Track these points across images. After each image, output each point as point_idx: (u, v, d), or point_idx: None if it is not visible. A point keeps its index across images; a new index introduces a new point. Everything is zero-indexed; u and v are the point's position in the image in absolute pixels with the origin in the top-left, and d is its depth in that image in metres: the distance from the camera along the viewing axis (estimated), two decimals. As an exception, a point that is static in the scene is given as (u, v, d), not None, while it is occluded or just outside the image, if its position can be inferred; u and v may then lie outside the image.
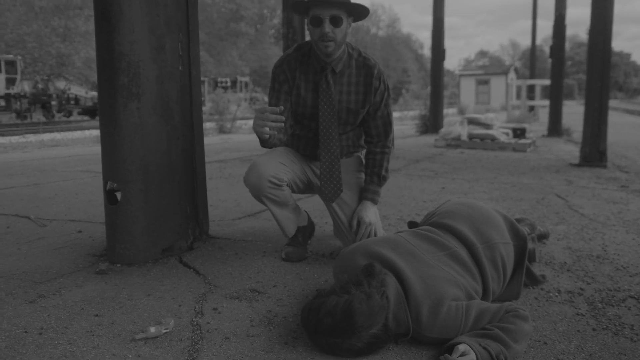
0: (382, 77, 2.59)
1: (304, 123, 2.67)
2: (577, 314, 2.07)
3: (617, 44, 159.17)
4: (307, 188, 2.79)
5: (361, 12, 2.50)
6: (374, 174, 2.70)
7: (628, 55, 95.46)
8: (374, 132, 2.69)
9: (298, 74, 2.57)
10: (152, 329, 1.85)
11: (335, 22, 2.39)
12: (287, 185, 2.60)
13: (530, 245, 2.56)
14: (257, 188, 2.56)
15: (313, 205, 3.95)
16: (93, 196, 4.48)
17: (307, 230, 2.83)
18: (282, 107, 2.24)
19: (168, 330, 1.89)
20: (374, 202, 2.69)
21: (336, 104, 2.56)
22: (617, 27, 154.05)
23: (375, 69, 2.58)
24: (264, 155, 2.65)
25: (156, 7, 2.59)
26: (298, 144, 2.75)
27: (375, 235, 2.62)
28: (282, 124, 2.24)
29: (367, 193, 2.69)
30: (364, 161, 2.80)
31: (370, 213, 2.65)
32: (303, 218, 2.82)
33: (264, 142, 2.45)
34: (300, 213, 2.80)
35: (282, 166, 2.61)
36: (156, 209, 2.68)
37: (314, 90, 2.57)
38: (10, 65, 25.38)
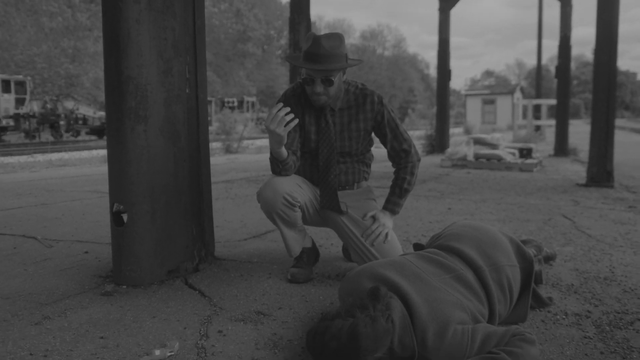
0: (381, 100, 2.67)
1: (307, 155, 2.73)
2: (585, 337, 2.05)
3: (624, 62, 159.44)
4: (317, 216, 2.77)
5: (354, 64, 2.56)
6: (396, 186, 2.74)
7: (634, 74, 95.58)
8: (392, 152, 2.74)
9: (304, 106, 2.65)
10: (157, 352, 1.85)
11: (327, 82, 2.48)
12: (299, 207, 2.62)
13: (536, 267, 2.55)
14: (271, 203, 2.57)
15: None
16: (100, 217, 4.50)
17: (311, 253, 2.83)
18: (288, 109, 2.33)
19: (173, 353, 1.88)
20: (393, 212, 2.73)
21: (335, 142, 2.65)
22: (623, 47, 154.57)
23: (374, 94, 2.67)
24: (280, 175, 2.64)
25: (164, 31, 2.63)
26: (303, 170, 2.77)
27: (387, 238, 2.62)
28: (297, 119, 2.35)
29: (387, 204, 2.74)
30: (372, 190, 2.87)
31: (387, 218, 2.69)
32: (308, 240, 2.83)
33: (278, 164, 2.50)
34: (306, 235, 2.81)
35: (298, 187, 2.63)
36: (162, 231, 2.69)
37: (317, 125, 2.66)
38: (20, 85, 25.72)
